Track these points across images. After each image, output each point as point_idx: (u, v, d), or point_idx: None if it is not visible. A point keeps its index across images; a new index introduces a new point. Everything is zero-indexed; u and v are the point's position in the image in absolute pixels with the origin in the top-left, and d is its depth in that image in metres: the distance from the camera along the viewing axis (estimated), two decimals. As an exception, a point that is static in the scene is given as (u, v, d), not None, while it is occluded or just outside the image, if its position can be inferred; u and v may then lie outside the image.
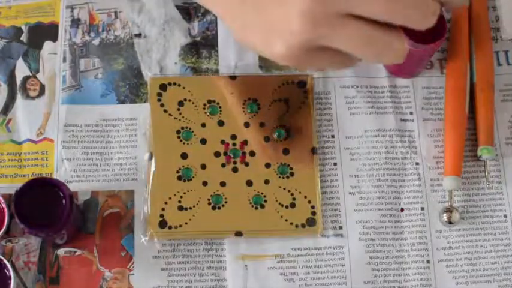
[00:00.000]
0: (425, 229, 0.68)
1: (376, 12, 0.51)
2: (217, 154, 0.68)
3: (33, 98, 0.71)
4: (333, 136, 0.70)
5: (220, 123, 0.69)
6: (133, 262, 0.66)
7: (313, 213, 0.67)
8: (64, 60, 0.72)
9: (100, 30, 0.73)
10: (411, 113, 0.71)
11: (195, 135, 0.69)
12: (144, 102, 0.70)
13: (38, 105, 0.70)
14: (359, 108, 0.71)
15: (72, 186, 0.64)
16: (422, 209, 0.69)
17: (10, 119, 0.70)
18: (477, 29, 0.72)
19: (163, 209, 0.66)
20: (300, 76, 0.71)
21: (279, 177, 0.68)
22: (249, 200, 0.67)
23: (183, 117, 0.69)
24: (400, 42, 0.53)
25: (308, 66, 0.55)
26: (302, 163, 0.68)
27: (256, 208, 0.67)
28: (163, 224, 0.66)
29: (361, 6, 0.51)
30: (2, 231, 0.63)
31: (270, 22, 0.53)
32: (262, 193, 0.67)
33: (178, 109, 0.69)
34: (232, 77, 0.70)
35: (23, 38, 0.72)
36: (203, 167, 0.67)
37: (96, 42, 0.73)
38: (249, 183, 0.67)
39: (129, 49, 0.72)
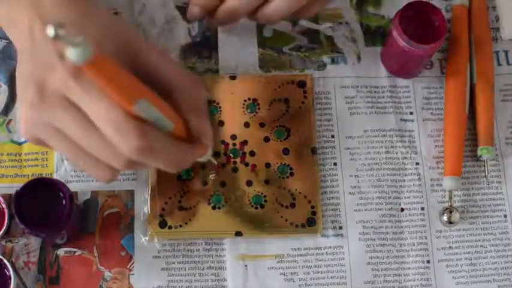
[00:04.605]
0: (425, 229, 0.68)
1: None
2: (217, 154, 0.68)
3: (33, 98, 0.70)
4: (333, 136, 0.70)
5: (220, 123, 0.69)
6: (133, 262, 0.66)
7: (313, 213, 0.67)
8: (64, 60, 0.72)
9: (100, 30, 0.73)
10: (411, 113, 0.71)
11: (195, 135, 0.68)
12: (144, 102, 0.70)
13: (38, 106, 0.70)
14: (359, 108, 0.71)
15: (72, 186, 0.64)
16: (422, 209, 0.68)
17: (10, 120, 0.70)
18: (477, 29, 0.72)
19: (163, 209, 0.66)
20: (300, 76, 0.71)
21: (279, 177, 0.68)
22: (249, 200, 0.67)
23: (183, 117, 0.69)
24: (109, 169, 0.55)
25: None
26: (302, 163, 0.68)
27: (256, 208, 0.67)
28: (163, 224, 0.66)
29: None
30: (2, 231, 0.63)
31: None
32: (262, 193, 0.67)
33: (178, 109, 0.69)
34: (232, 77, 0.70)
35: (24, 38, 0.72)
36: (203, 167, 0.67)
37: (96, 42, 0.73)
38: (249, 183, 0.67)
39: (129, 49, 0.72)
